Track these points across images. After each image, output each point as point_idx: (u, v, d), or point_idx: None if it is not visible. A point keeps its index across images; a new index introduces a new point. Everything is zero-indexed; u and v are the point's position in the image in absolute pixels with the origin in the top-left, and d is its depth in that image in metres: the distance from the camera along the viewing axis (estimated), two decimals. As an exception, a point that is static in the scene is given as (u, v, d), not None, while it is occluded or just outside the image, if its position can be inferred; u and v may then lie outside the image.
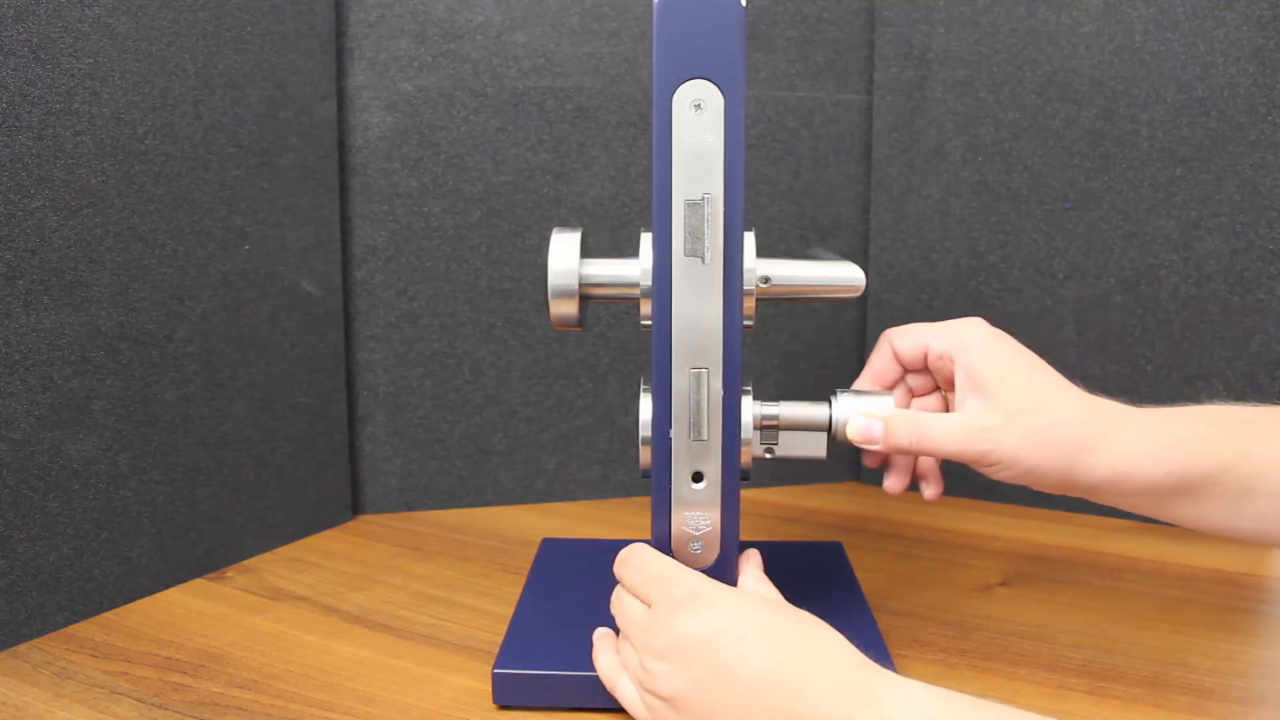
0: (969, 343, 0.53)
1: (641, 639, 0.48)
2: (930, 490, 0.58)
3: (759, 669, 0.43)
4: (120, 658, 0.59)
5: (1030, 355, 0.53)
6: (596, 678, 0.52)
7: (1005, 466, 0.51)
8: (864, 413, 0.54)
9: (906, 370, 0.58)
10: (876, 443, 0.53)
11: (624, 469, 0.87)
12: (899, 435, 0.53)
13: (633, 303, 0.53)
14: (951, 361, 0.54)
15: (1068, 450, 0.50)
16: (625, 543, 0.53)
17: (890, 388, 0.58)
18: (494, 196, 0.81)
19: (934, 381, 0.58)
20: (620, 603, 0.52)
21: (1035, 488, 0.52)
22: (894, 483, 0.58)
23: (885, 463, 0.58)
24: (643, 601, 0.50)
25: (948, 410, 0.56)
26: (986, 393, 0.51)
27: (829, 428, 0.55)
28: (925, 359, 0.56)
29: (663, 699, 0.46)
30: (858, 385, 0.58)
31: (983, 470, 0.52)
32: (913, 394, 0.59)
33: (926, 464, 0.58)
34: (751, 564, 0.53)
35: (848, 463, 0.91)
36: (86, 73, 0.61)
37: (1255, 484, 0.49)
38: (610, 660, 0.52)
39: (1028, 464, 0.50)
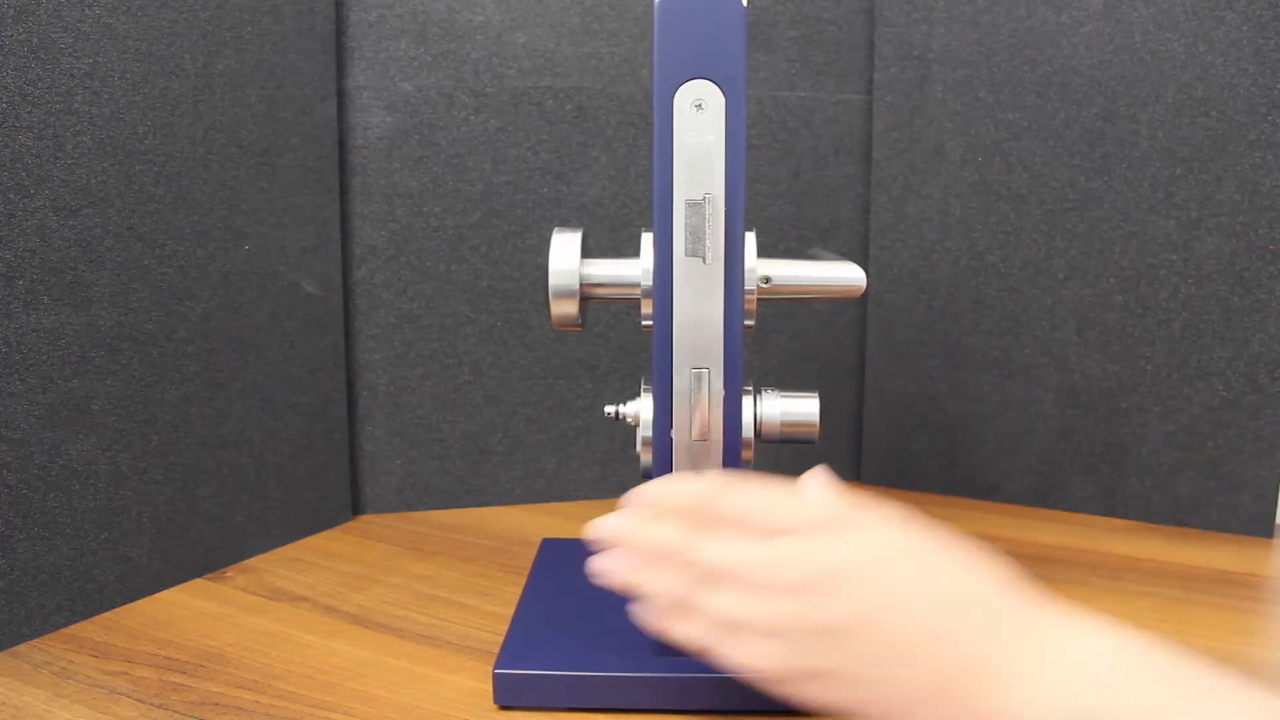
0: None
1: (774, 574, 0.43)
2: None
3: (914, 595, 0.41)
4: (120, 658, 0.59)
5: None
6: (597, 677, 0.52)
7: None
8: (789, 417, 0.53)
9: None
10: None
11: (624, 469, 0.87)
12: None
13: (633, 303, 0.53)
14: None
15: None
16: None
17: None
18: (494, 196, 0.81)
19: None
20: (714, 544, 0.45)
21: None
22: None
23: None
24: (743, 537, 0.45)
25: None
26: None
27: (755, 424, 0.54)
28: None
29: (821, 630, 0.41)
30: None
31: None
32: None
33: None
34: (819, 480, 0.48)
35: (848, 461, 0.91)
36: (86, 73, 0.61)
37: None
38: (697, 626, 0.45)
39: None
